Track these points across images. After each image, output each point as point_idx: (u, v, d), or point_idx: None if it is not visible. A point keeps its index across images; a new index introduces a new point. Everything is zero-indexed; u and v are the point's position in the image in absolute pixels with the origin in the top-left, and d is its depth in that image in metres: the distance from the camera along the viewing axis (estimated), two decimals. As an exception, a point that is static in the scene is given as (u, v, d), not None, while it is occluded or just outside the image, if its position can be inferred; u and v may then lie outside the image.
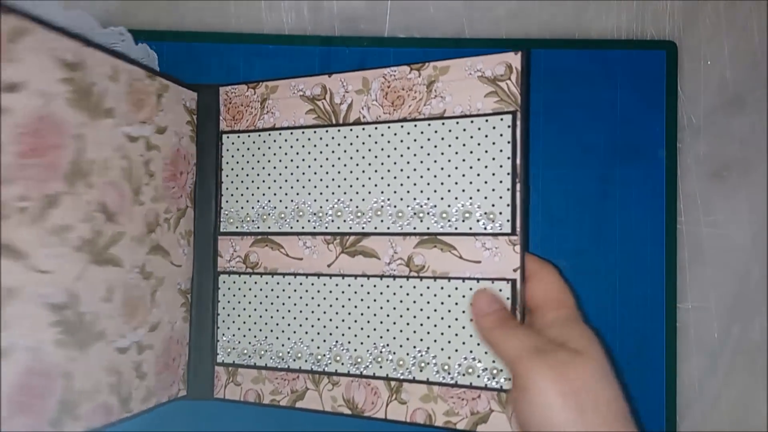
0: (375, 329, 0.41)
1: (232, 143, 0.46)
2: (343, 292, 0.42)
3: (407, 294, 0.40)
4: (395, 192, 0.41)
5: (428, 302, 0.40)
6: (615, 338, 0.45)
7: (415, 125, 0.40)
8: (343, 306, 0.42)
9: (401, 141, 0.41)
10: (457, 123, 0.39)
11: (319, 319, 0.43)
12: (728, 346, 0.47)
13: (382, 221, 0.41)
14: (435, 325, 0.39)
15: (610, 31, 0.48)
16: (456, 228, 0.39)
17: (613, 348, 0.45)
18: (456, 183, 0.39)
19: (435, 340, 0.39)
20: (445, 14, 0.49)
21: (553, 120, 0.46)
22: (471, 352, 0.38)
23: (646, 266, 0.46)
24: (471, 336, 0.39)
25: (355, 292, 0.42)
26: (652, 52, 0.47)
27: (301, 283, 0.43)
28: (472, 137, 0.39)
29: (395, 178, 0.41)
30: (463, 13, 0.49)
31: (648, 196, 0.46)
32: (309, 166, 0.43)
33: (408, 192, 0.40)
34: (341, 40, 0.48)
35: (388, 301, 0.41)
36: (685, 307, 0.47)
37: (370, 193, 0.41)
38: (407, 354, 0.40)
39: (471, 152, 0.39)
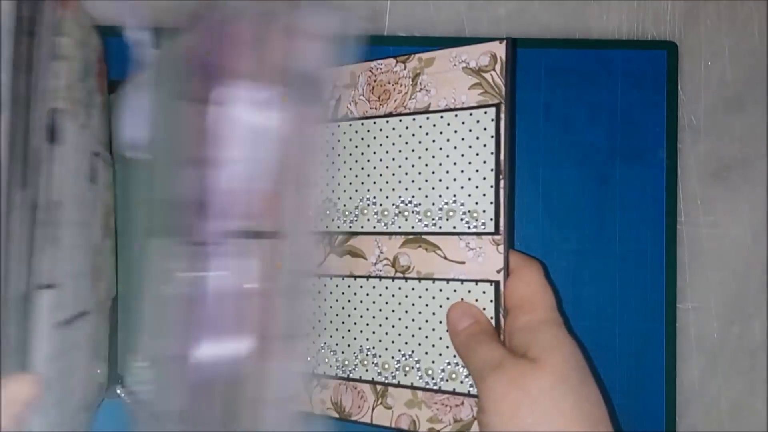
0: (361, 331, 0.39)
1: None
2: (330, 293, 0.40)
3: (392, 296, 0.38)
4: (381, 190, 0.39)
5: (413, 304, 0.37)
6: (615, 338, 0.44)
7: (400, 120, 0.38)
8: (330, 307, 0.40)
9: (386, 137, 0.38)
10: (442, 117, 0.37)
11: (308, 321, 0.41)
12: (728, 346, 0.45)
13: (368, 220, 0.39)
14: (419, 328, 0.37)
15: (611, 31, 0.47)
16: (440, 227, 0.37)
17: (612, 348, 0.44)
18: (440, 180, 0.37)
19: (419, 344, 0.37)
20: (446, 13, 0.47)
21: (553, 120, 0.45)
22: (454, 357, 0.36)
23: (646, 266, 0.44)
24: None
25: (343, 293, 0.40)
26: (653, 52, 0.46)
27: None
28: (456, 132, 0.36)
29: (381, 175, 0.39)
30: (464, 13, 0.47)
31: (648, 196, 0.45)
32: None
33: (393, 190, 0.38)
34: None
35: (374, 302, 0.39)
36: (685, 307, 0.46)
37: (356, 191, 0.39)
38: (392, 357, 0.38)
39: (455, 147, 0.36)
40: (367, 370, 0.39)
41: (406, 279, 0.38)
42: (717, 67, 0.47)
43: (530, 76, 0.46)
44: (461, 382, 0.36)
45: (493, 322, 0.35)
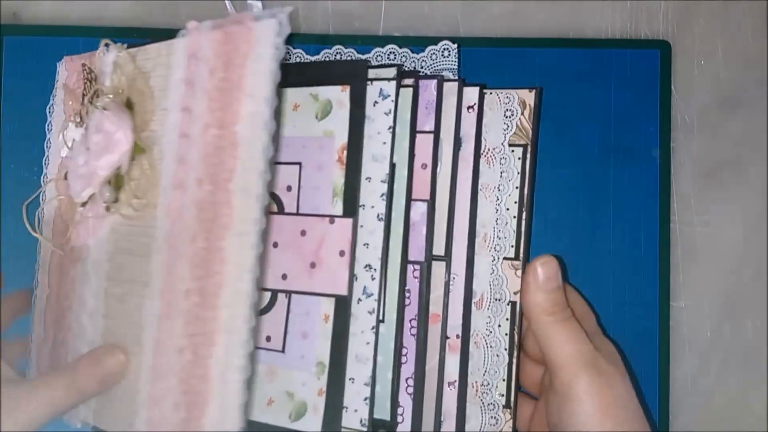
0: None
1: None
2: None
3: None
4: None
5: None
6: (607, 336, 0.45)
7: None
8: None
9: None
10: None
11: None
12: (721, 345, 0.45)
13: None
14: None
15: (605, 30, 0.46)
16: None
17: (605, 346, 0.45)
18: None
19: None
20: (440, 13, 0.46)
21: (546, 119, 0.43)
22: None
23: (640, 265, 0.44)
24: None
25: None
26: (646, 51, 0.45)
27: None
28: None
29: None
30: (458, 12, 0.47)
31: (642, 195, 0.44)
32: None
33: None
34: (336, 38, 0.46)
35: None
36: (679, 306, 0.45)
37: None
38: None
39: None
40: None
41: None
42: (710, 66, 0.47)
43: (524, 76, 0.45)
44: None
45: (507, 339, 0.38)
